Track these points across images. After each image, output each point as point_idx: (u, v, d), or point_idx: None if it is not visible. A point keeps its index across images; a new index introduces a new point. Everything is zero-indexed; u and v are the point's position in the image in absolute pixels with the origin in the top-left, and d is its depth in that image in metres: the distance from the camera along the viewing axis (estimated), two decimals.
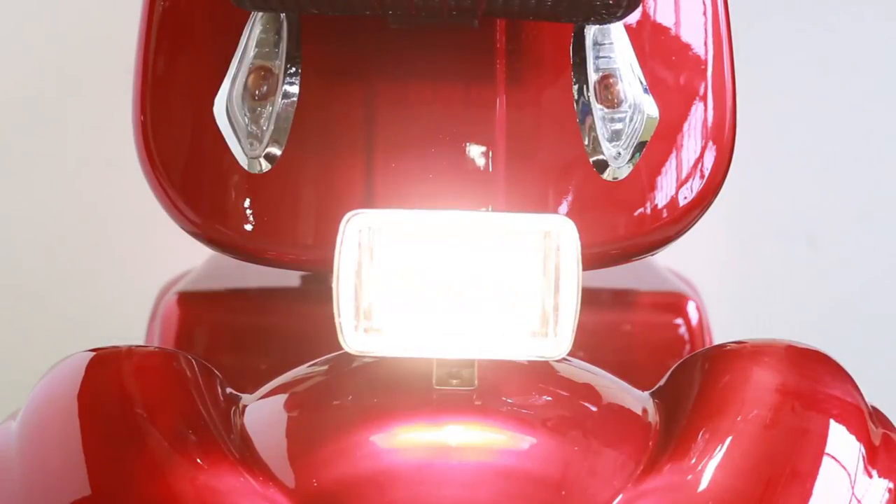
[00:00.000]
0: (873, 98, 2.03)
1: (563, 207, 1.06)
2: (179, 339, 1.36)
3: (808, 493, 0.94)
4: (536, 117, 1.06)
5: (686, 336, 1.38)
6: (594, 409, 1.01)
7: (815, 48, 2.03)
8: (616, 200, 1.07)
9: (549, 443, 0.96)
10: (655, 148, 1.06)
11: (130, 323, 1.72)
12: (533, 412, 0.98)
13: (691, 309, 1.40)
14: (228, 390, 1.04)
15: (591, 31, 0.98)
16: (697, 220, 1.09)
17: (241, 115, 0.97)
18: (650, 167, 1.07)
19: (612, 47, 0.98)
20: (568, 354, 0.94)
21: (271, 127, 0.97)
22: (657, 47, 1.08)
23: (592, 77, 0.98)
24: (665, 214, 1.08)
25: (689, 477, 0.94)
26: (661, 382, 1.05)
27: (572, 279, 0.92)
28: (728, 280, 2.05)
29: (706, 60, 1.09)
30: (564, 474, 0.94)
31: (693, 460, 0.95)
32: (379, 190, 1.04)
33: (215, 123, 0.97)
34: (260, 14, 0.98)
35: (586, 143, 0.99)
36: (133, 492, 0.93)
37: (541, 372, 1.02)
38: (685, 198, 1.08)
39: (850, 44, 2.02)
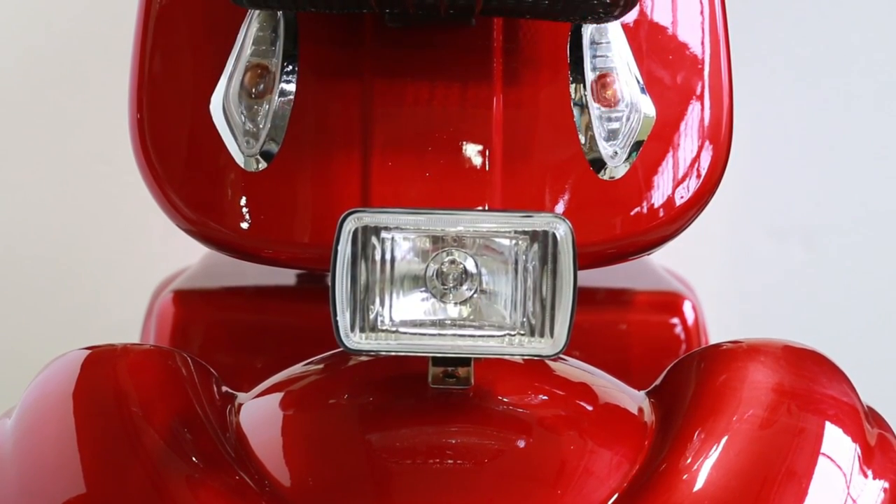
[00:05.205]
0: (871, 97, 2.03)
1: (560, 206, 1.06)
2: (175, 337, 1.35)
3: (804, 493, 0.94)
4: (533, 116, 1.06)
5: (682, 335, 1.38)
6: (590, 408, 1.01)
7: (813, 47, 2.03)
8: (613, 199, 1.07)
9: (545, 442, 0.96)
10: (652, 147, 1.06)
11: (128, 320, 1.72)
12: (529, 411, 0.98)
13: (687, 308, 1.39)
14: (224, 388, 1.04)
15: (588, 30, 0.98)
16: (694, 219, 1.09)
17: (238, 113, 0.97)
18: (647, 166, 1.07)
19: (610, 46, 0.98)
20: (564, 353, 0.94)
21: (268, 125, 0.97)
22: (654, 46, 1.08)
23: (589, 76, 0.98)
24: (662, 213, 1.08)
25: (685, 476, 0.94)
26: (657, 382, 1.05)
27: (569, 278, 0.92)
28: (724, 280, 2.05)
29: (703, 60, 1.09)
30: (560, 473, 0.94)
31: (689, 460, 0.95)
32: (375, 188, 1.04)
33: (212, 121, 0.97)
34: (257, 12, 0.98)
35: (583, 142, 0.99)
36: (128, 490, 0.93)
37: (537, 371, 1.02)
38: (682, 197, 1.08)
39: (847, 43, 2.02)
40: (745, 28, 1.93)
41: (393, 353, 0.94)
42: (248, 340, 1.35)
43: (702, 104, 1.08)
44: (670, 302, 1.40)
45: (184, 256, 1.62)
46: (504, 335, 0.94)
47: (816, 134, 2.04)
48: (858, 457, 0.97)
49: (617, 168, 0.98)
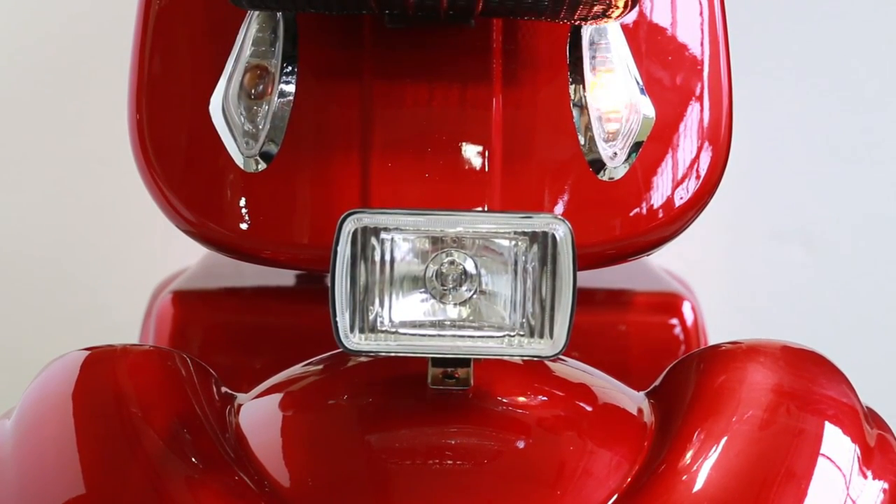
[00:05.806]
0: (869, 98, 2.03)
1: (560, 207, 1.06)
2: (174, 337, 1.35)
3: (804, 494, 0.94)
4: (533, 117, 1.06)
5: (681, 336, 1.38)
6: (589, 409, 1.01)
7: (811, 47, 2.03)
8: (612, 200, 1.07)
9: (545, 443, 0.96)
10: (652, 148, 1.06)
11: (127, 321, 1.72)
12: (528, 412, 0.98)
13: (686, 309, 1.39)
14: (223, 389, 1.04)
15: (587, 31, 0.98)
16: (693, 220, 1.09)
17: (237, 114, 0.97)
18: (646, 167, 1.07)
19: (609, 47, 0.98)
20: (563, 354, 0.94)
21: (267, 126, 0.97)
22: (654, 47, 1.08)
23: (589, 77, 0.98)
24: (661, 215, 1.08)
25: (685, 477, 0.94)
26: (657, 383, 1.05)
27: (568, 279, 0.92)
28: (723, 281, 2.05)
29: (702, 61, 1.09)
30: (560, 474, 0.94)
31: (688, 461, 0.95)
32: (375, 189, 1.04)
33: (211, 122, 0.97)
34: (256, 13, 0.98)
35: (582, 143, 0.99)
36: (127, 491, 0.93)
37: (536, 371, 1.02)
38: (681, 198, 1.08)
39: (845, 44, 2.02)
40: (743, 28, 1.93)
41: (392, 354, 0.94)
42: (248, 341, 1.35)
43: (701, 105, 1.08)
44: (669, 303, 1.40)
45: (184, 257, 1.62)
46: (503, 336, 0.94)
47: (814, 133, 2.04)
48: (858, 457, 0.97)
49: (616, 169, 0.98)
